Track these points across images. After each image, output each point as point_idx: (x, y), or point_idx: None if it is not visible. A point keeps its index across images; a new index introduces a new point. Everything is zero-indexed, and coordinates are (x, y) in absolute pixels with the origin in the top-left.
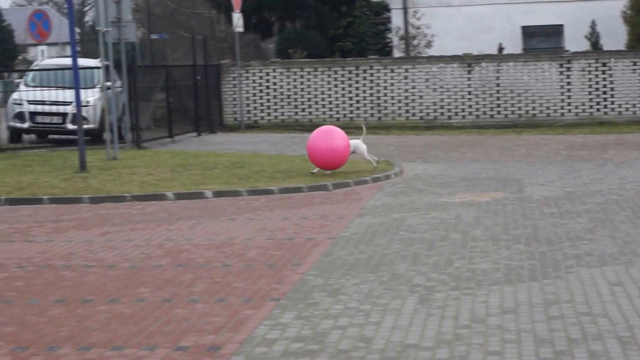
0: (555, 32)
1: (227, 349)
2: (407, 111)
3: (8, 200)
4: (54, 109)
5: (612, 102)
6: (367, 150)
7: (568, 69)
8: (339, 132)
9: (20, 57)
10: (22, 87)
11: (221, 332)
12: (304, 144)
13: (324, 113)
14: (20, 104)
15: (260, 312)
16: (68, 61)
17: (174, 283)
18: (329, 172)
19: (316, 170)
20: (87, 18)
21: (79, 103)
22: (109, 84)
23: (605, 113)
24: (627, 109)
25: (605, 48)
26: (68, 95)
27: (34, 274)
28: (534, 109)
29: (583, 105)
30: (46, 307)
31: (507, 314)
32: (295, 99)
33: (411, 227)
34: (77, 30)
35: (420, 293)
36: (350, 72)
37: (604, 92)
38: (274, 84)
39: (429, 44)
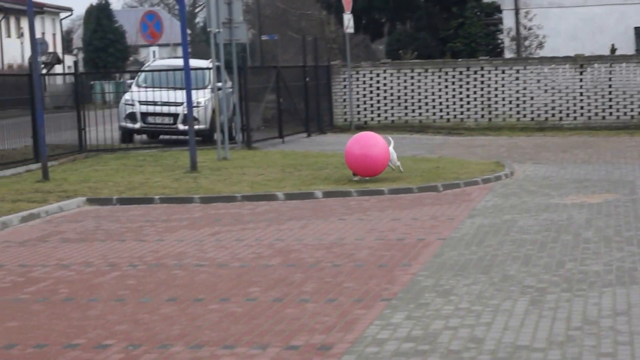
0: None
1: (338, 349)
2: (518, 112)
3: (120, 200)
4: (165, 109)
5: None
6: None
7: None
8: (378, 140)
9: (131, 58)
10: (133, 87)
11: (332, 332)
12: (414, 144)
13: (433, 114)
14: (131, 105)
15: (371, 312)
16: (179, 62)
17: (285, 283)
18: (367, 178)
19: (357, 177)
20: (198, 19)
21: (190, 104)
22: (219, 84)
23: None
24: None
25: None
26: (179, 95)
27: (146, 272)
28: None
29: None
30: (158, 306)
31: (620, 316)
32: (405, 100)
33: (522, 229)
34: (188, 31)
35: (532, 294)
36: (460, 73)
37: None
38: (384, 84)
39: (540, 45)
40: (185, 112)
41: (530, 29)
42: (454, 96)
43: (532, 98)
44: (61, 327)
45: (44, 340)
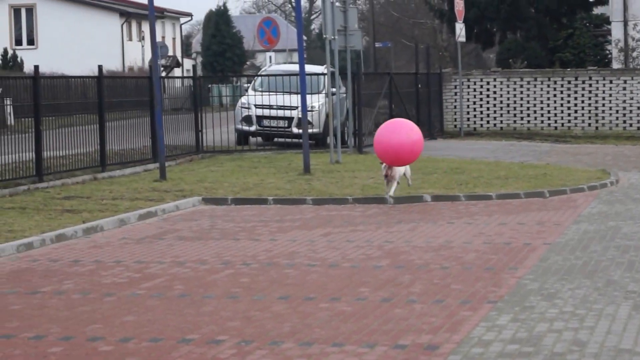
0: None
1: (445, 349)
2: (624, 121)
3: (235, 200)
4: (280, 113)
5: None
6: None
7: None
8: (408, 125)
9: (248, 63)
10: (250, 91)
11: (439, 332)
12: (521, 151)
13: (541, 122)
14: (247, 108)
15: (477, 314)
16: (295, 67)
17: (393, 283)
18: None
19: (384, 166)
20: (313, 26)
21: (304, 108)
22: (334, 90)
23: None
24: None
25: None
26: (294, 100)
27: (258, 271)
28: None
29: None
30: (270, 303)
31: None
32: (514, 108)
33: (627, 235)
34: (304, 37)
35: (635, 299)
36: (569, 82)
37: None
38: (494, 92)
39: None
40: (300, 116)
41: (638, 40)
42: (561, 105)
43: (638, 108)
44: (175, 322)
45: (159, 334)
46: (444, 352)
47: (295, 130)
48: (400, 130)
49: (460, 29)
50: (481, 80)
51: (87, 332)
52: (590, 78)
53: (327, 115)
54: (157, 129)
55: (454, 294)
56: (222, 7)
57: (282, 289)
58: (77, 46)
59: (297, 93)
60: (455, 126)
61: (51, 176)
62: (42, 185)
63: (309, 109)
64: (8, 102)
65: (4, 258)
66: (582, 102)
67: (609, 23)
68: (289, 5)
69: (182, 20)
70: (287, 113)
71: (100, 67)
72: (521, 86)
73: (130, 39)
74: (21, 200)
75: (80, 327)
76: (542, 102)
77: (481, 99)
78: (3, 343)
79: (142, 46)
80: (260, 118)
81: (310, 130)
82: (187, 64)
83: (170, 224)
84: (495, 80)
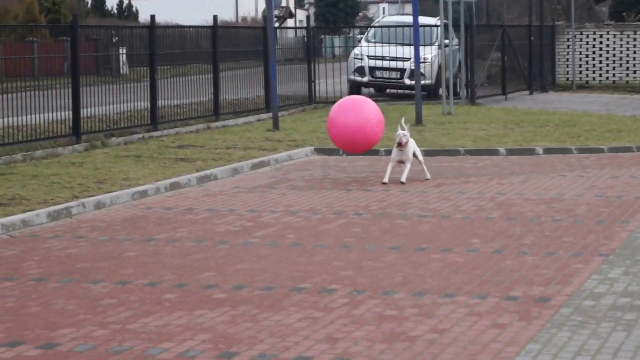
0: None
1: (556, 301)
2: None
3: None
4: (392, 64)
5: None
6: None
7: None
8: (365, 105)
9: (360, 14)
10: (363, 42)
11: (550, 285)
12: (634, 104)
13: None
14: (360, 59)
15: (588, 266)
16: (408, 19)
17: (505, 235)
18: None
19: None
20: None
21: (417, 60)
22: (446, 41)
23: None
24: None
25: None
26: (407, 51)
27: (370, 221)
28: None
29: None
30: (382, 253)
31: None
32: (627, 61)
33: None
34: None
35: None
36: None
37: None
38: (607, 45)
39: None
40: (412, 67)
41: None
42: None
43: None
44: (288, 270)
45: (272, 282)
46: (556, 304)
47: (407, 81)
48: (357, 111)
49: None
50: (594, 33)
51: (201, 280)
52: None
53: (439, 67)
54: (271, 79)
55: (565, 247)
56: None
57: (393, 239)
58: None
59: (410, 44)
60: (567, 79)
61: (165, 125)
62: (157, 134)
63: (422, 60)
64: (123, 52)
65: (119, 205)
66: None
67: None
68: None
69: None
70: (400, 64)
71: (215, 17)
72: (634, 39)
73: None
74: (136, 148)
75: (194, 275)
76: None
77: (593, 52)
78: (119, 289)
79: None
80: (372, 69)
81: (422, 82)
82: (300, 14)
83: (282, 174)
84: (608, 33)
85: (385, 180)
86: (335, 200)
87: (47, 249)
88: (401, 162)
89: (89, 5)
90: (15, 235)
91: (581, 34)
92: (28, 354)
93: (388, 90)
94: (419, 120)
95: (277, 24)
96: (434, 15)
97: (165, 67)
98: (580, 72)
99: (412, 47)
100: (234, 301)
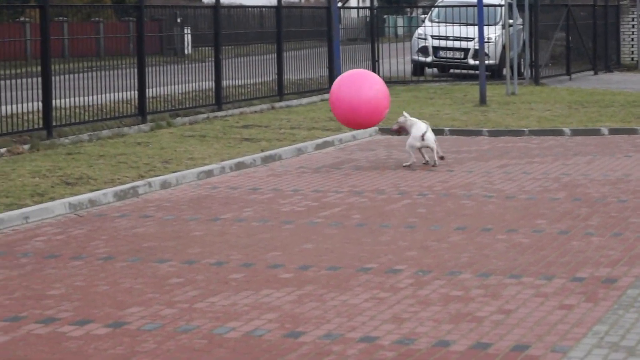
0: None
1: (623, 282)
2: None
3: None
4: (456, 44)
5: None
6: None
7: None
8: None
9: None
10: (426, 22)
11: (617, 266)
12: None
13: None
14: (424, 39)
15: None
16: None
17: (571, 216)
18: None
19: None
20: None
21: (482, 39)
22: (510, 21)
23: None
24: None
25: None
26: (471, 31)
27: (435, 201)
28: None
29: None
30: (447, 234)
31: None
32: None
33: None
34: None
35: None
36: None
37: None
38: None
39: None
40: (476, 47)
41: None
42: None
43: None
44: (354, 250)
45: (337, 263)
46: (622, 286)
47: (471, 61)
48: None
49: None
50: None
51: (267, 259)
52: None
53: (503, 47)
54: (335, 59)
55: (632, 228)
56: None
57: (459, 219)
58: None
59: (474, 24)
60: (632, 59)
61: (230, 105)
62: (221, 114)
63: (486, 40)
64: (187, 32)
65: (185, 185)
66: None
67: None
68: None
69: None
70: (464, 44)
71: None
72: None
73: None
74: (201, 128)
75: (260, 254)
76: None
77: None
78: (186, 268)
79: None
80: (436, 49)
81: (486, 62)
82: None
83: (347, 154)
84: None
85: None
86: (399, 181)
87: (114, 228)
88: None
89: None
90: (83, 215)
91: None
92: (97, 332)
93: (452, 71)
94: (482, 101)
95: (340, 4)
96: None
97: (230, 47)
98: None
99: (476, 27)
100: (300, 281)
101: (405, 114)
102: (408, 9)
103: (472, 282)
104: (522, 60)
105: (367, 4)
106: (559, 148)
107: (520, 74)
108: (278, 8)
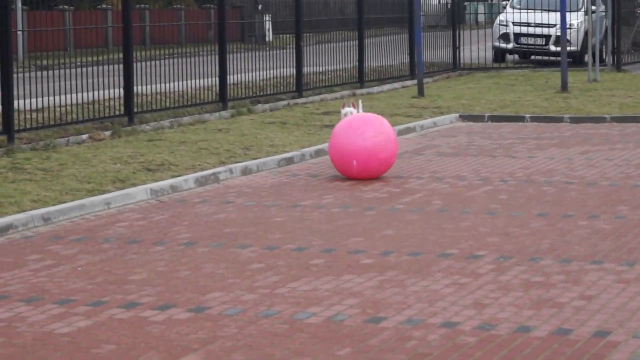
0: None
1: None
2: None
3: (491, 117)
4: (538, 30)
5: None
6: None
7: None
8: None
9: None
10: (508, 9)
11: None
12: None
13: None
14: (505, 25)
15: None
16: None
17: None
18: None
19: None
20: None
21: (564, 26)
22: (593, 8)
23: None
24: None
25: None
26: (552, 17)
27: (516, 187)
28: None
29: None
30: (528, 220)
31: None
32: None
33: None
34: None
35: None
36: None
37: None
38: None
39: None
40: (558, 33)
41: None
42: None
43: None
44: (435, 236)
45: (418, 248)
46: None
47: (552, 48)
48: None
49: None
50: None
51: (348, 245)
52: None
53: (585, 33)
54: (416, 46)
55: None
56: None
57: (540, 205)
58: None
59: (555, 11)
60: None
61: (310, 92)
62: (302, 101)
63: (568, 26)
64: (267, 19)
65: (266, 172)
66: None
67: None
68: None
69: None
70: (545, 31)
71: None
72: None
73: None
74: (281, 115)
75: (341, 240)
76: None
77: None
78: (267, 254)
79: None
80: (517, 36)
81: (568, 48)
82: None
83: (428, 140)
84: None
85: None
86: (480, 167)
87: (195, 213)
88: None
89: None
90: (164, 201)
91: None
92: (179, 317)
93: (533, 57)
94: (564, 87)
95: None
96: None
97: (310, 34)
98: None
99: (558, 13)
100: (381, 266)
101: (357, 105)
102: None
103: (554, 268)
104: (603, 46)
105: None
106: None
107: (602, 61)
108: None
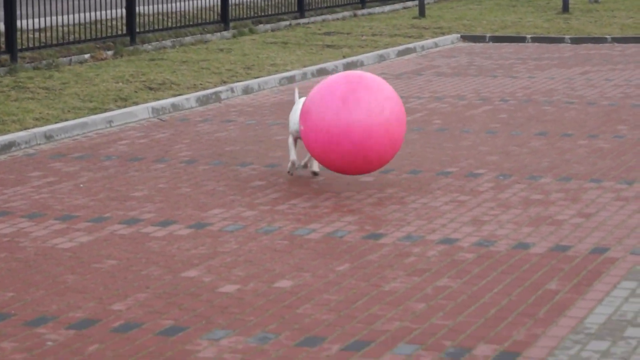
0: None
1: None
2: None
3: (492, 38)
4: None
5: None
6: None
7: None
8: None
9: None
10: None
11: None
12: None
13: None
14: None
15: None
16: None
17: None
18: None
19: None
20: None
21: None
22: None
23: None
24: None
25: None
26: None
27: (516, 107)
28: None
29: None
30: (528, 139)
31: None
32: None
33: None
34: None
35: None
36: None
37: None
38: None
39: None
40: None
41: None
42: None
43: None
44: (434, 155)
45: (419, 167)
46: None
47: None
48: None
49: None
50: None
51: None
52: None
53: None
54: None
55: None
56: None
57: (540, 125)
58: None
59: None
60: None
61: (312, 12)
62: (304, 21)
63: None
64: None
65: (267, 91)
66: None
67: None
68: None
69: None
70: None
71: None
72: None
73: None
74: (283, 35)
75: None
76: None
77: None
78: (268, 172)
79: None
80: None
81: None
82: None
83: (428, 60)
84: None
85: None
86: (481, 87)
87: (196, 132)
88: None
89: None
90: (166, 119)
91: None
92: (179, 233)
93: None
94: (565, 8)
95: None
96: None
97: None
98: None
99: None
100: (381, 184)
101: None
102: None
103: (553, 186)
104: None
105: None
106: None
107: None
108: None
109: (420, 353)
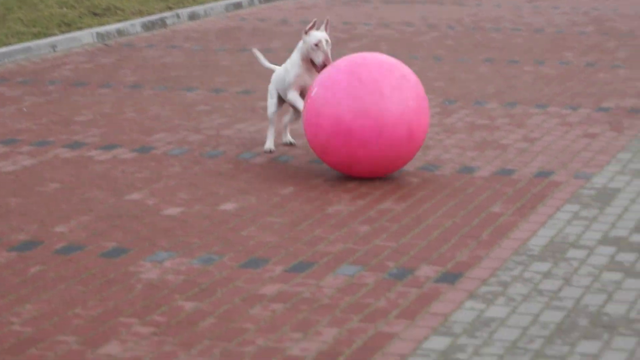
0: None
1: None
2: None
3: None
4: None
5: None
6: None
7: None
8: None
9: None
10: None
11: None
12: None
13: None
14: None
15: None
16: None
17: (598, 49)
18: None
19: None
20: None
21: None
22: None
23: None
24: None
25: None
26: None
27: (463, 34)
28: None
29: None
30: (474, 66)
31: None
32: None
33: None
34: None
35: None
36: None
37: None
38: None
39: None
40: None
41: None
42: None
43: None
44: None
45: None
46: None
47: None
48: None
49: None
50: None
51: None
52: None
53: None
54: None
55: None
56: None
57: (486, 52)
58: None
59: None
60: None
61: None
62: None
63: None
64: None
65: (213, 17)
66: None
67: None
68: None
69: None
70: None
71: None
72: None
73: None
74: None
75: None
76: None
77: None
78: (213, 97)
79: None
80: None
81: None
82: None
83: None
84: None
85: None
86: (428, 14)
87: (142, 57)
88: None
89: None
90: (111, 44)
91: None
92: (124, 156)
93: None
94: None
95: None
96: None
97: None
98: None
99: None
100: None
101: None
102: None
103: (498, 112)
104: None
105: None
106: None
107: None
108: None
109: (363, 274)
